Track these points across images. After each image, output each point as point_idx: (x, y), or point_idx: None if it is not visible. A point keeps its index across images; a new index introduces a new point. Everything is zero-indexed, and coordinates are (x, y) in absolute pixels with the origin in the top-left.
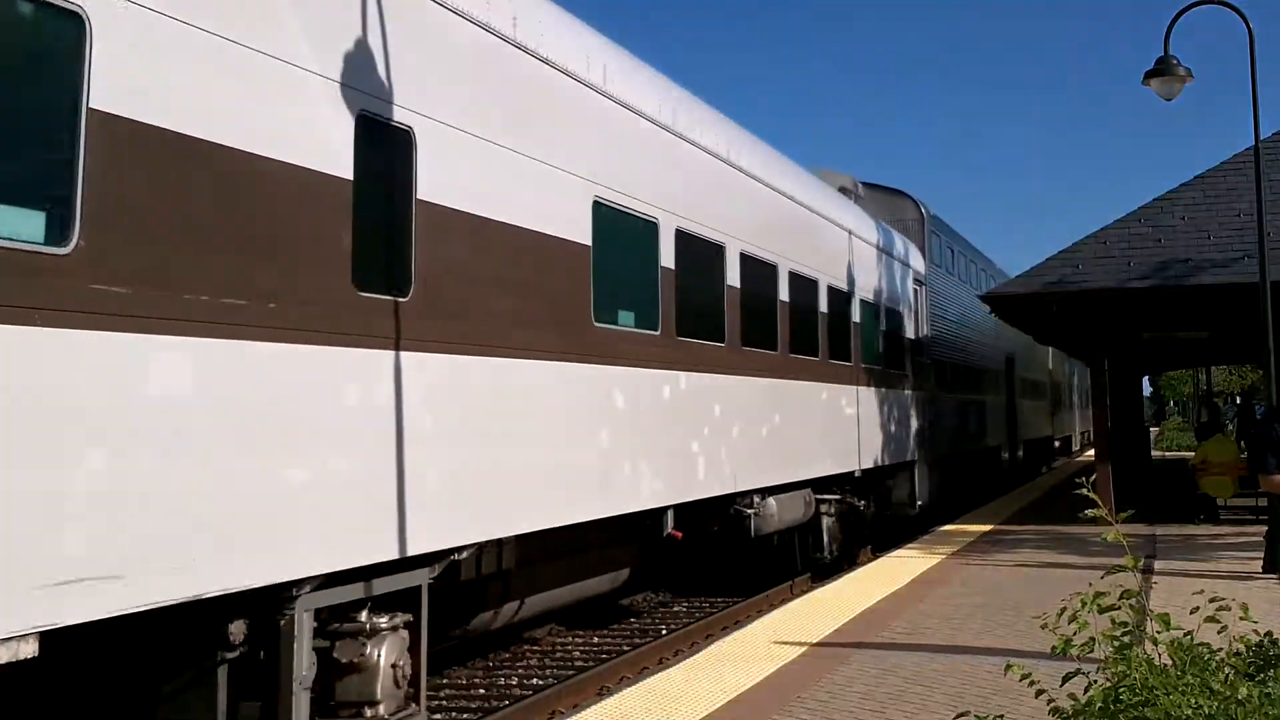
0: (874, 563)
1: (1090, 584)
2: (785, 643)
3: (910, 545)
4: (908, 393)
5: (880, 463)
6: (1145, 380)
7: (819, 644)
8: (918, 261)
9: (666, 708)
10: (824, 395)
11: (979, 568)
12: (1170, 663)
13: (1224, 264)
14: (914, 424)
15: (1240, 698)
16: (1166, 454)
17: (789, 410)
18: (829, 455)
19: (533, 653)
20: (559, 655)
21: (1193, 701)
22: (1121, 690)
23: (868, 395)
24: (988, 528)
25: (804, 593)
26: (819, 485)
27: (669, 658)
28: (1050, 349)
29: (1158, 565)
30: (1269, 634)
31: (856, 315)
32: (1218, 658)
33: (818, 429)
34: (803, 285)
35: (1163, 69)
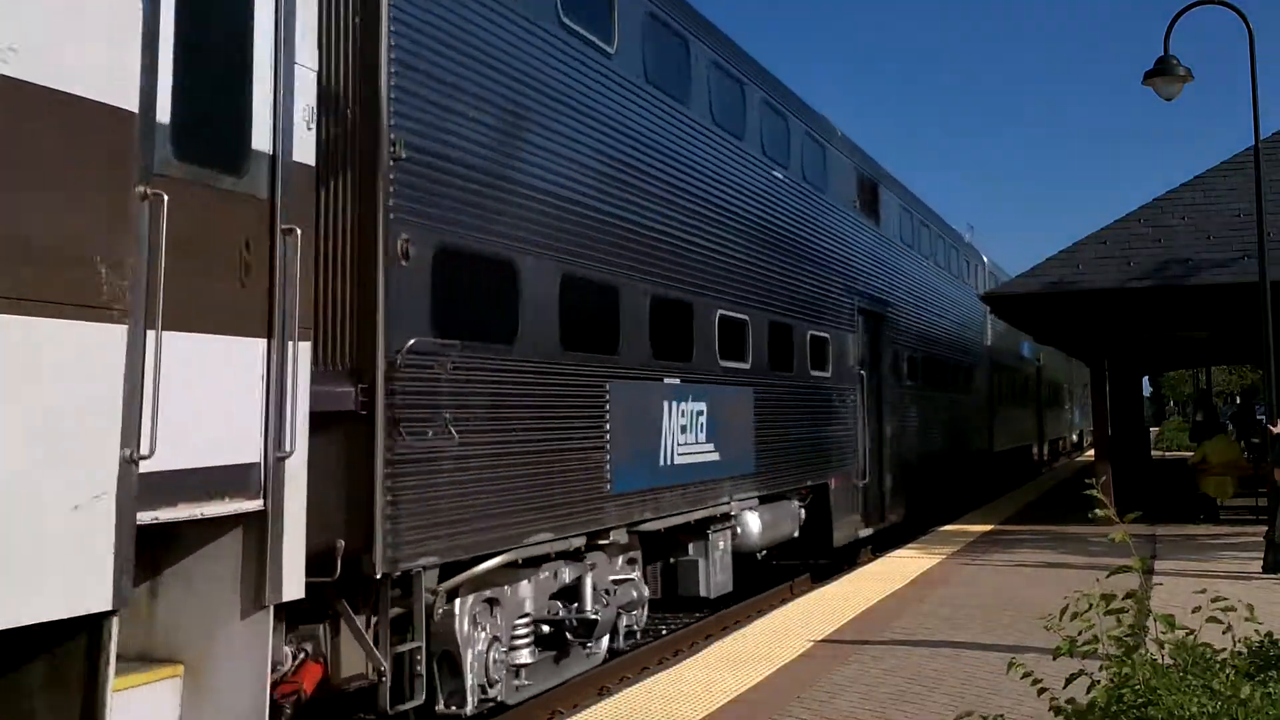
0: (874, 563)
1: (1097, 580)
2: (785, 643)
3: (910, 545)
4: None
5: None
6: (1145, 380)
7: (819, 644)
8: None
9: (666, 708)
10: None
11: (979, 567)
12: (1173, 663)
13: (1224, 264)
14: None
15: (1242, 698)
16: (1166, 454)
17: None
18: None
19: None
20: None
21: (1195, 702)
22: (1124, 690)
23: None
24: (988, 527)
25: (804, 593)
26: None
27: (669, 658)
28: (990, 315)
29: (1158, 565)
30: (1270, 634)
31: None
32: (1220, 658)
33: None
34: None
35: (1163, 69)
